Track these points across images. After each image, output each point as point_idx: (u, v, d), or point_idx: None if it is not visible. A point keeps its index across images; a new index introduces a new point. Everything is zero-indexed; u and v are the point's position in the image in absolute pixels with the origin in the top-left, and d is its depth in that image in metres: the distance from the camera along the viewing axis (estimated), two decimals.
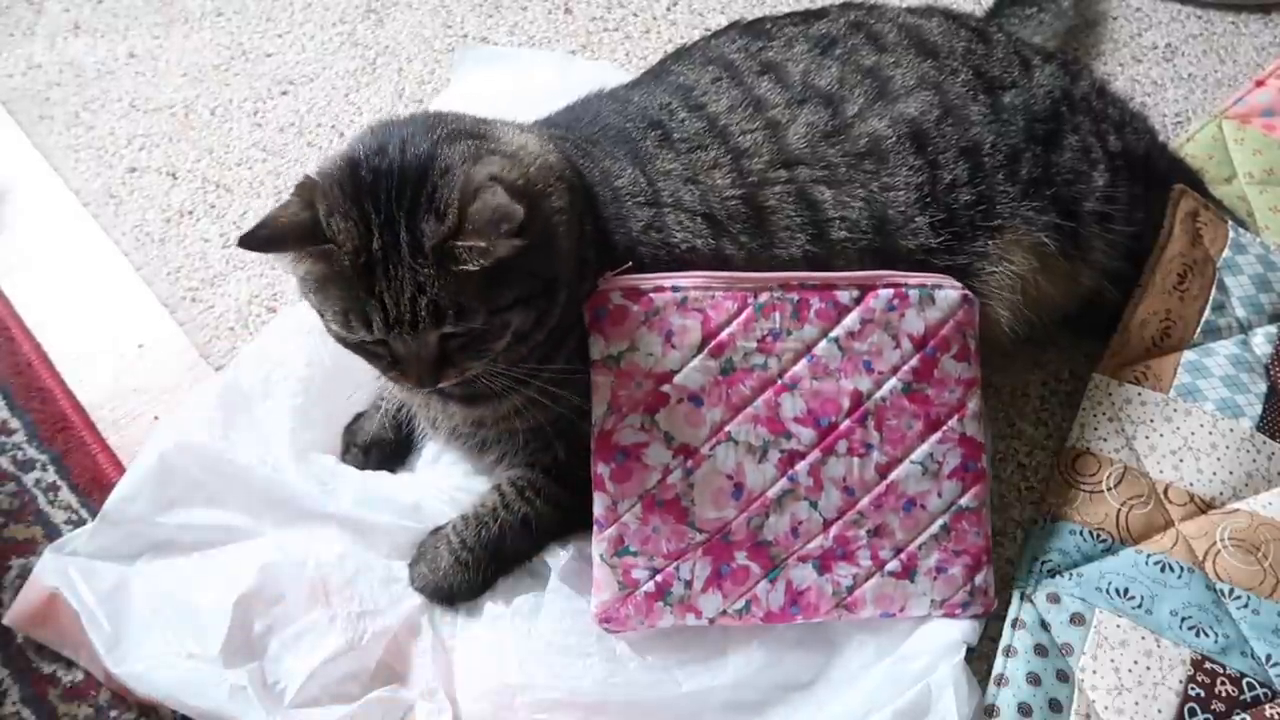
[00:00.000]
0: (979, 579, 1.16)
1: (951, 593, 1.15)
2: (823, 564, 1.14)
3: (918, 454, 1.15)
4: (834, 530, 1.14)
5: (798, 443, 1.14)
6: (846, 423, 1.15)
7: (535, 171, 1.04)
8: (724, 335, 1.14)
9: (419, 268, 0.96)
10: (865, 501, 1.15)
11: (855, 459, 1.15)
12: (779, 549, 1.14)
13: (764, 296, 1.14)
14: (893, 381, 1.16)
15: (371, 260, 0.96)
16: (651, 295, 1.13)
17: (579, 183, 1.11)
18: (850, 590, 1.14)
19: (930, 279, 1.17)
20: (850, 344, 1.15)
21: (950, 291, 1.17)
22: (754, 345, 1.14)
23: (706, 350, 1.13)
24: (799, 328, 1.15)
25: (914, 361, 1.16)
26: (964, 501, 1.16)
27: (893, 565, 1.15)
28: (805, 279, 1.15)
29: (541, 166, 1.06)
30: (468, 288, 0.97)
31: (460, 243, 0.94)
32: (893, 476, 1.15)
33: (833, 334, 1.15)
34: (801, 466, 1.14)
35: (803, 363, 1.15)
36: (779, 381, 1.14)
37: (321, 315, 1.03)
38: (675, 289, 1.13)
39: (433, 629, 1.17)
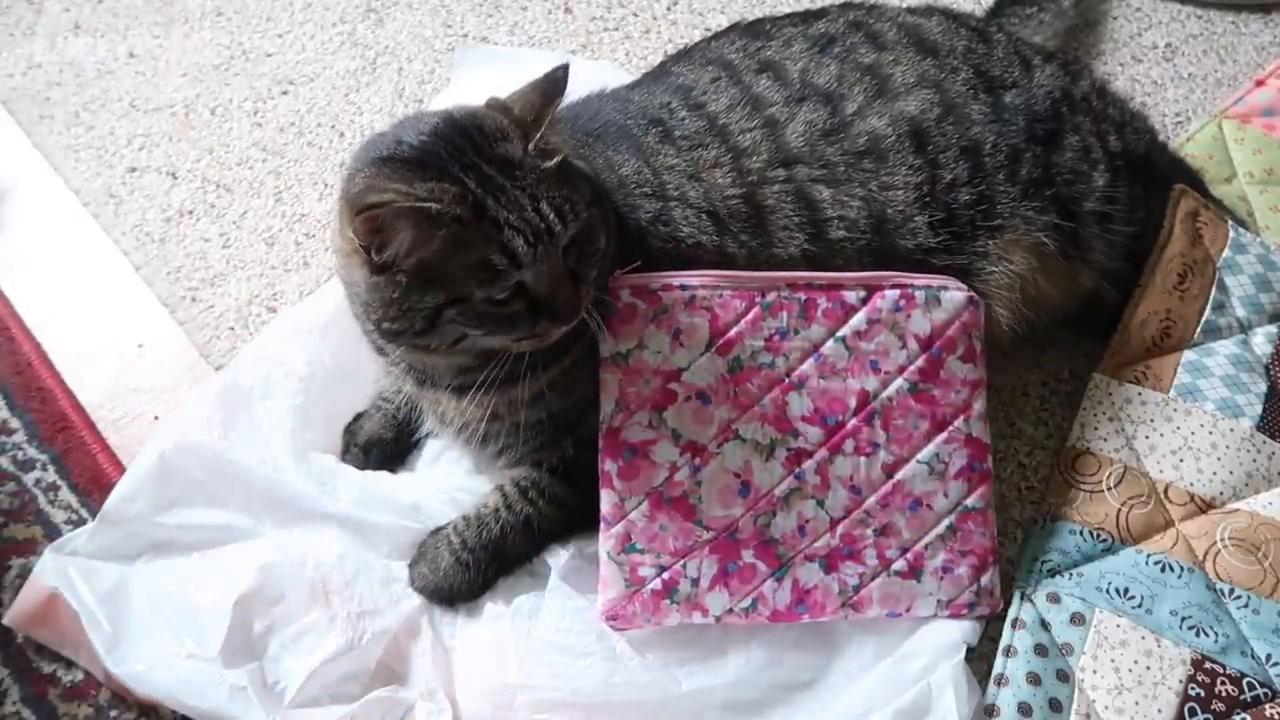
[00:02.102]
0: (985, 579, 1.16)
1: (958, 593, 1.15)
2: (829, 563, 1.14)
3: (924, 454, 1.15)
4: (841, 529, 1.14)
5: (805, 441, 1.14)
6: (853, 422, 1.15)
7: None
8: (732, 334, 1.14)
9: (522, 181, 0.98)
10: (872, 501, 1.15)
11: (862, 458, 1.15)
12: (786, 547, 1.14)
13: (771, 296, 1.14)
14: (899, 381, 1.16)
15: (478, 200, 0.97)
16: (659, 293, 1.13)
17: (589, 170, 1.11)
18: (857, 589, 1.14)
19: (936, 280, 1.18)
20: (857, 344, 1.15)
21: (956, 293, 1.17)
22: (761, 344, 1.14)
23: (714, 348, 1.14)
24: (806, 327, 1.15)
25: (920, 362, 1.16)
26: (970, 502, 1.16)
27: (899, 565, 1.15)
28: (812, 279, 1.16)
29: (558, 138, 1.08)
30: (562, 183, 1.00)
31: (538, 134, 0.99)
32: (899, 476, 1.15)
33: (840, 333, 1.15)
34: (809, 465, 1.14)
35: (810, 362, 1.15)
36: (786, 380, 1.15)
37: (450, 304, 0.99)
38: (683, 287, 1.13)
39: (433, 629, 1.17)
